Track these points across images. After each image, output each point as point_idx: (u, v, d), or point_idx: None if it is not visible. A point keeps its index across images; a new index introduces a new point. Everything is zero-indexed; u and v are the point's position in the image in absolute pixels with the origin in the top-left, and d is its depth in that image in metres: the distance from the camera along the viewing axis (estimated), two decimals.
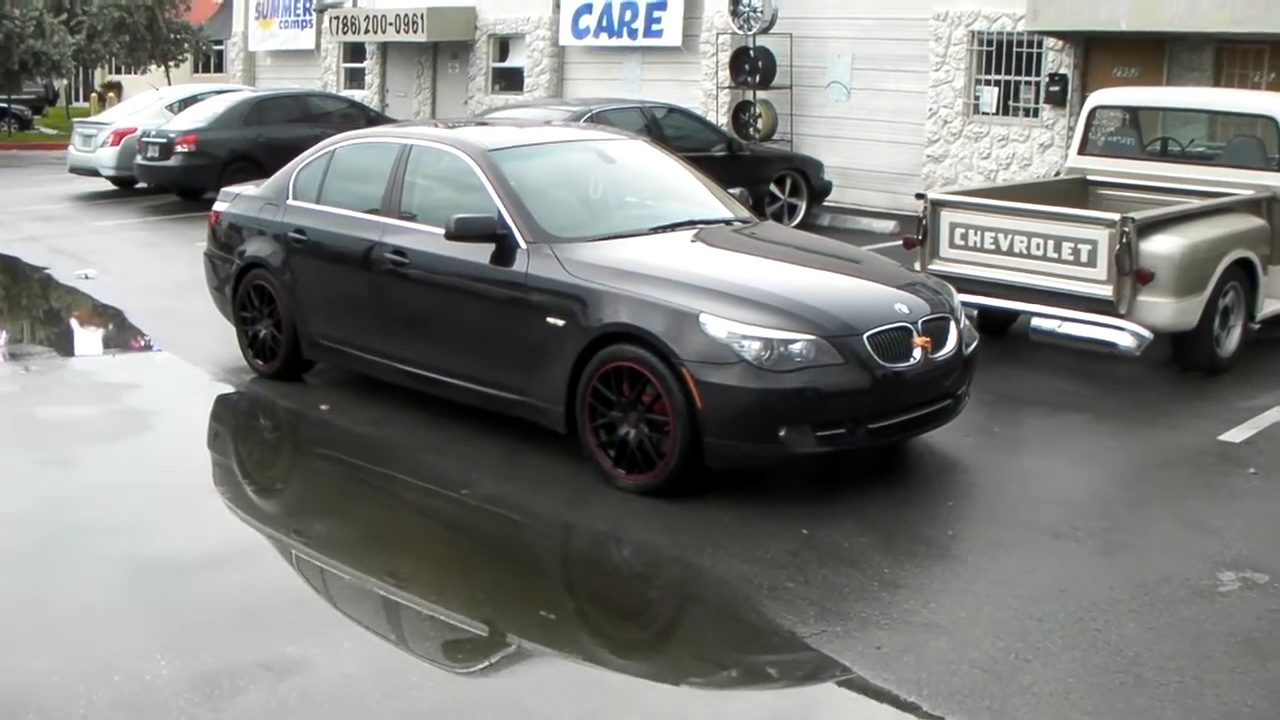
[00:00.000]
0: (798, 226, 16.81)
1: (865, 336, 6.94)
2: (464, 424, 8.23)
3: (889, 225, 17.96)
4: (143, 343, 11.21)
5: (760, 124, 20.81)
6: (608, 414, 7.18)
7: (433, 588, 6.10)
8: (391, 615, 5.96)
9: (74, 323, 12.73)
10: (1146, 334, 9.48)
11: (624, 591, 6.26)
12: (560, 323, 7.36)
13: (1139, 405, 9.26)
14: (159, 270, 14.38)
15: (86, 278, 13.80)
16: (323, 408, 8.84)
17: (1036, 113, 18.35)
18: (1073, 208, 10.75)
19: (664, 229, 8.13)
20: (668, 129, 16.88)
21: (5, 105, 38.72)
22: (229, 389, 9.41)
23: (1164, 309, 9.54)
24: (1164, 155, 11.96)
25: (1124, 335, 9.50)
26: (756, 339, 6.75)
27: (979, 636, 5.51)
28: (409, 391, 8.57)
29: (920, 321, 7.25)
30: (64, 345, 11.74)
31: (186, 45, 40.75)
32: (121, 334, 11.73)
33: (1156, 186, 11.37)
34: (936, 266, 10.35)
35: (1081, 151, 12.12)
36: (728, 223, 8.53)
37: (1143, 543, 6.60)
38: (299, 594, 6.10)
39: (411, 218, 8.45)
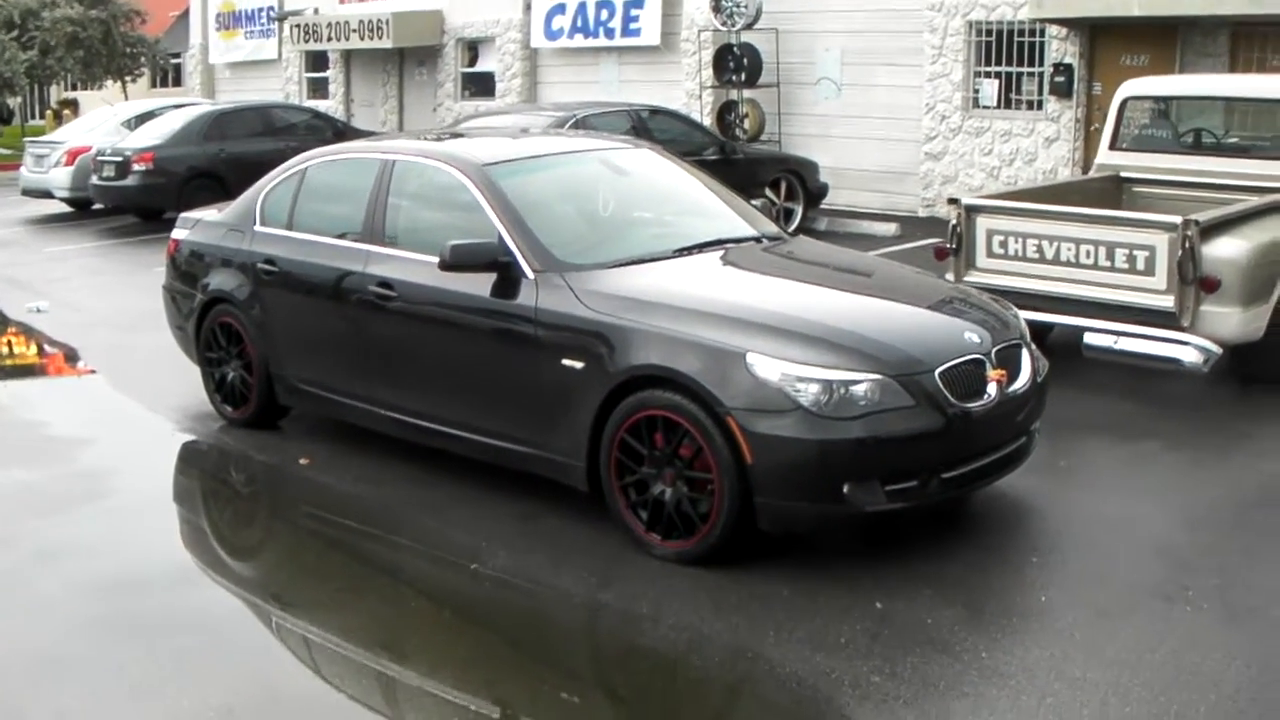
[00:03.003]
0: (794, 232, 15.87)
1: (937, 373, 5.97)
2: (468, 481, 7.23)
3: (890, 228, 17.04)
4: (99, 387, 10.11)
5: (747, 124, 19.86)
6: (638, 470, 6.19)
7: (443, 701, 5.10)
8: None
9: (21, 365, 11.56)
10: (1215, 349, 8.56)
11: (684, 695, 5.21)
12: (578, 365, 6.36)
13: (1212, 429, 8.33)
14: (117, 301, 13.33)
15: (38, 311, 12.78)
16: (303, 461, 7.82)
17: (1040, 105, 17.45)
18: (1111, 208, 9.85)
19: (688, 251, 7.14)
20: (656, 132, 15.88)
21: None
22: (195, 439, 8.40)
23: (1230, 319, 8.61)
24: (1199, 148, 11.06)
25: (1189, 350, 8.56)
26: (814, 380, 5.77)
27: None
28: (402, 443, 7.56)
29: (994, 351, 6.29)
30: (9, 393, 10.45)
31: (143, 59, 39.50)
32: (75, 378, 10.64)
33: (1196, 183, 10.48)
34: (973, 278, 9.40)
35: (1113, 146, 11.20)
36: (757, 240, 7.54)
37: (1270, 605, 5.64)
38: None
39: (397, 244, 7.45)
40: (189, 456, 8.20)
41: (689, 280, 6.72)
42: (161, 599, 6.02)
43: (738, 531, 5.94)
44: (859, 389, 5.79)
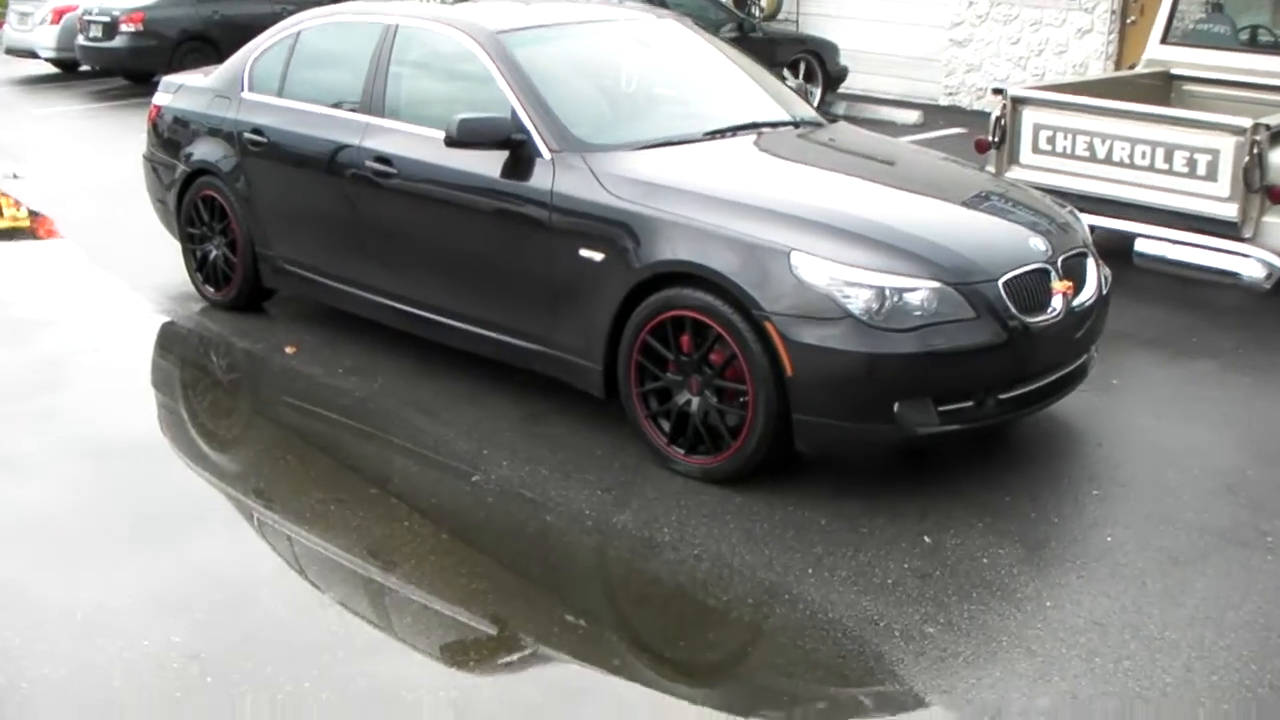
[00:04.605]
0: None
1: (1000, 282, 5.32)
2: (466, 377, 6.62)
3: (913, 115, 16.27)
4: (75, 261, 9.41)
5: (764, 2, 18.99)
6: (661, 376, 5.57)
7: (442, 621, 4.52)
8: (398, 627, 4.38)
9: None
10: (1279, 263, 7.92)
11: (713, 639, 4.58)
12: (597, 256, 5.71)
13: (1270, 346, 7.70)
14: (99, 168, 12.58)
15: (15, 178, 12.06)
16: (288, 350, 7.20)
17: None
18: (1160, 106, 9.14)
19: (719, 134, 6.44)
20: (671, 7, 15.06)
21: None
22: (174, 320, 7.77)
23: None
24: (1256, 45, 10.33)
25: (1251, 264, 7.95)
26: (866, 286, 5.12)
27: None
28: (396, 333, 6.94)
29: (1060, 260, 5.64)
30: None
31: None
32: (50, 250, 9.93)
33: (1252, 83, 9.78)
34: (1016, 174, 8.74)
35: (1164, 40, 10.46)
36: (794, 125, 6.85)
37: None
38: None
39: (399, 117, 6.76)
40: (167, 340, 7.58)
41: (722, 167, 6.05)
42: (131, 487, 5.54)
43: (771, 449, 5.33)
44: (915, 297, 5.14)
